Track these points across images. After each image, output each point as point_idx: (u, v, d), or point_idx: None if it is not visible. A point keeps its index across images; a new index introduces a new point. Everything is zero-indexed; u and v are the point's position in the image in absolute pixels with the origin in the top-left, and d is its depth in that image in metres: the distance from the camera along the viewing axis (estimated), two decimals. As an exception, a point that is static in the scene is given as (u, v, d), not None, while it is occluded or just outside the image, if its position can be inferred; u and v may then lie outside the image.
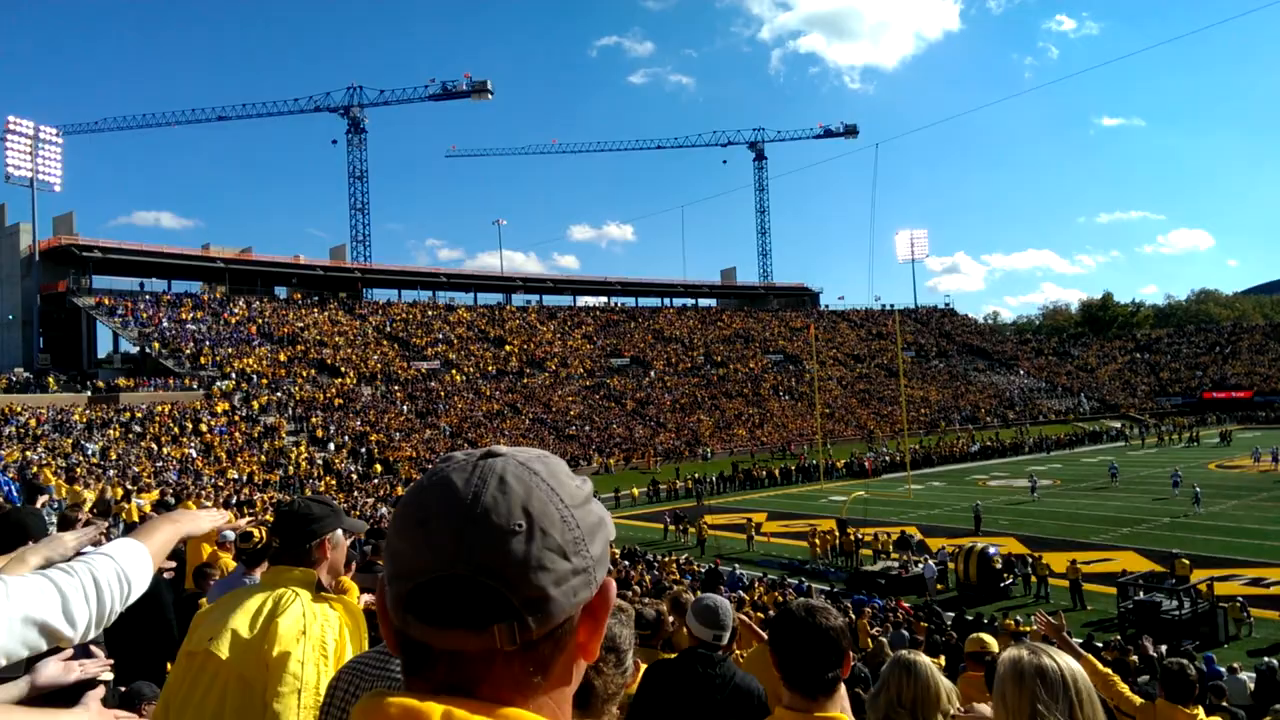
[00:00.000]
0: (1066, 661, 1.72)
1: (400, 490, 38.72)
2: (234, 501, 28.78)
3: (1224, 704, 7.89)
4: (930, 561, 23.92)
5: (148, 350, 52.83)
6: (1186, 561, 21.18)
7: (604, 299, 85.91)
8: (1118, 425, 69.27)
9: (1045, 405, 78.63)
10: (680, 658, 3.25)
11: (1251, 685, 12.74)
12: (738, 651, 5.10)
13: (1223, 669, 13.56)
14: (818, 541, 27.89)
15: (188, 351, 52.18)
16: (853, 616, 14.90)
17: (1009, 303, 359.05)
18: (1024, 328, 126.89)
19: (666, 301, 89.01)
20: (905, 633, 14.49)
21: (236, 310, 60.07)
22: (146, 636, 3.73)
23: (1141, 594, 19.10)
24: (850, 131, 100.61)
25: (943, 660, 10.76)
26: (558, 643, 0.73)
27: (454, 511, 0.70)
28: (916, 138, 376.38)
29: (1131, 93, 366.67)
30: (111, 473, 30.43)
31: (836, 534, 28.19)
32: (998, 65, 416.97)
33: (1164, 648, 14.64)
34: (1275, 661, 14.33)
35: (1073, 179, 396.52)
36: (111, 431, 40.54)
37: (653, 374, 70.46)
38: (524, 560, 0.69)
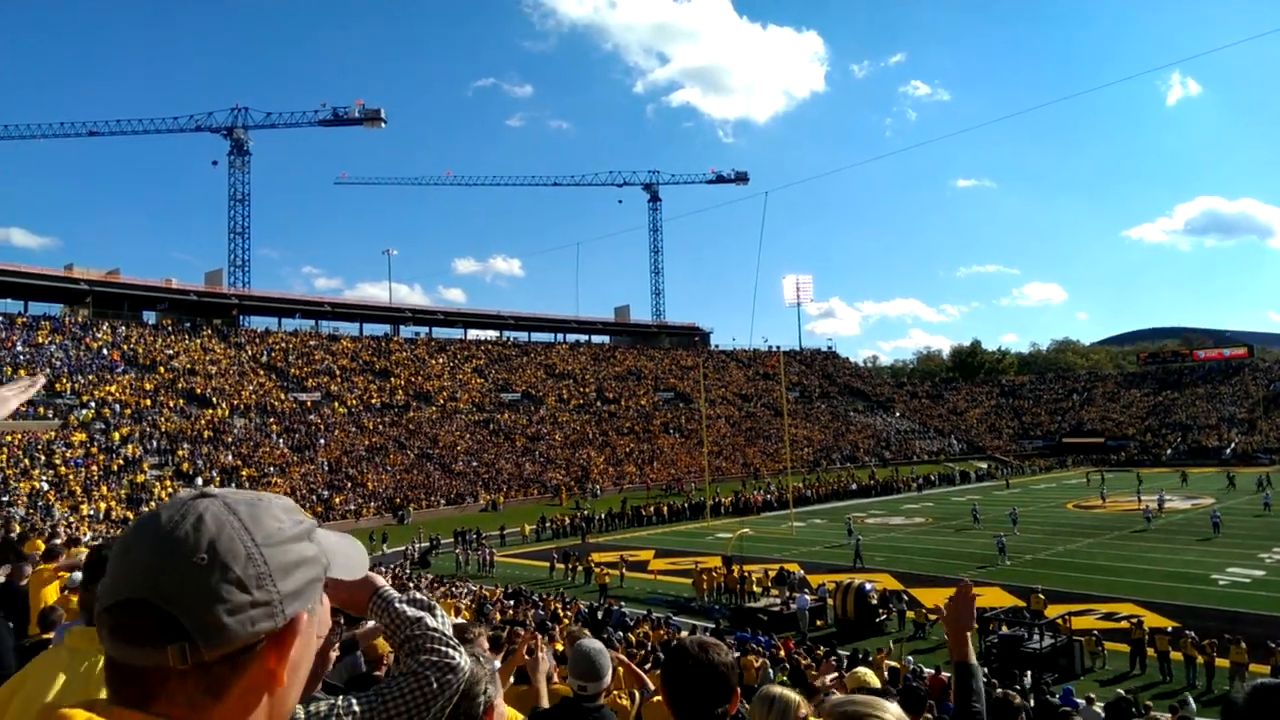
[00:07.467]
0: (896, 713, 1.74)
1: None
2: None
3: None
4: (804, 597, 24.27)
5: (-4, 375, 48.94)
6: (1042, 597, 22.40)
7: (495, 333, 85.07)
8: (984, 466, 72.94)
9: (918, 446, 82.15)
10: (559, 706, 3.37)
11: (1104, 715, 13.48)
12: (616, 693, 5.08)
13: (1080, 700, 14.32)
14: (704, 579, 28.04)
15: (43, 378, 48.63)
16: (738, 653, 15.03)
17: (882, 347, 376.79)
18: (899, 372, 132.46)
19: (559, 337, 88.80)
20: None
21: (100, 335, 56.47)
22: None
23: (1005, 629, 20.03)
24: (741, 178, 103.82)
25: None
26: (234, 667, 0.81)
27: (151, 543, 0.81)
28: (792, 190, 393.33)
29: (982, 157, 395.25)
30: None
31: (722, 571, 28.47)
32: (861, 125, 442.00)
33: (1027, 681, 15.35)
34: (1122, 691, 15.28)
35: (933, 234, 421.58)
36: (-51, 463, 37.33)
37: (544, 410, 69.97)
38: (200, 590, 0.79)
